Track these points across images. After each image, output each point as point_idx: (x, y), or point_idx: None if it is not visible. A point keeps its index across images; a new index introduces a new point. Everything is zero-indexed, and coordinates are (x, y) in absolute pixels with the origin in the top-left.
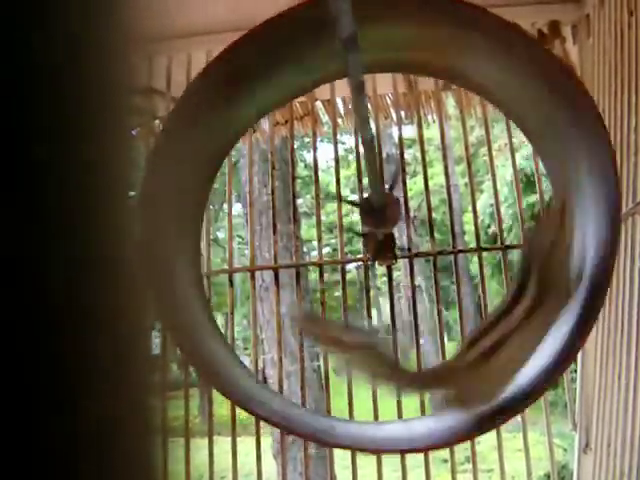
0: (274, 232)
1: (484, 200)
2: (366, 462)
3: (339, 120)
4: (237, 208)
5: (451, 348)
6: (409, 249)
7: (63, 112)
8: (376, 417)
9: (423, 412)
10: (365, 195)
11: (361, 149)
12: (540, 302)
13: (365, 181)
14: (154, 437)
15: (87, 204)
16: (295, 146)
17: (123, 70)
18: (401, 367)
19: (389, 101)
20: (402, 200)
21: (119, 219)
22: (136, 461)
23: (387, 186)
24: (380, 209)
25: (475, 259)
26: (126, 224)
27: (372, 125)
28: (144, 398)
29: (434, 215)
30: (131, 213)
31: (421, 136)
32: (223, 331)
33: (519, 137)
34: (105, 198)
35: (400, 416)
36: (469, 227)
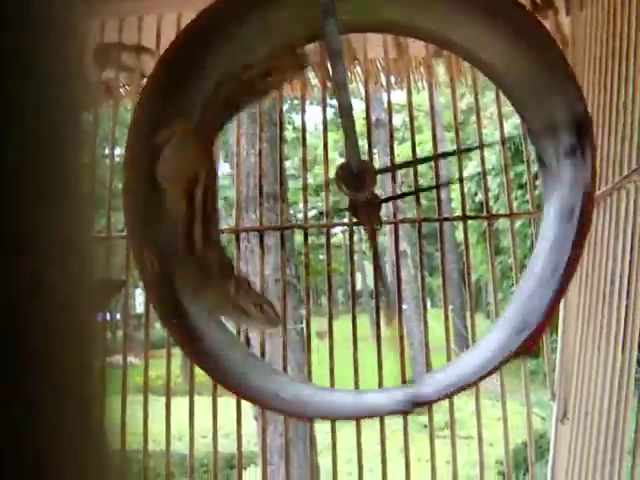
0: (260, 194)
1: (472, 168)
2: (345, 425)
3: (329, 83)
4: (224, 169)
5: (434, 315)
6: (394, 214)
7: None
8: (357, 381)
9: (404, 381)
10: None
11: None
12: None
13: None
14: (105, 400)
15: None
16: (284, 108)
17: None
18: None
19: (379, 66)
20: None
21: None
22: (87, 426)
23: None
24: (357, 175)
25: (460, 226)
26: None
27: (349, 92)
28: (91, 362)
29: (421, 182)
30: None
31: (410, 102)
32: None
33: (508, 106)
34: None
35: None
36: (456, 194)
